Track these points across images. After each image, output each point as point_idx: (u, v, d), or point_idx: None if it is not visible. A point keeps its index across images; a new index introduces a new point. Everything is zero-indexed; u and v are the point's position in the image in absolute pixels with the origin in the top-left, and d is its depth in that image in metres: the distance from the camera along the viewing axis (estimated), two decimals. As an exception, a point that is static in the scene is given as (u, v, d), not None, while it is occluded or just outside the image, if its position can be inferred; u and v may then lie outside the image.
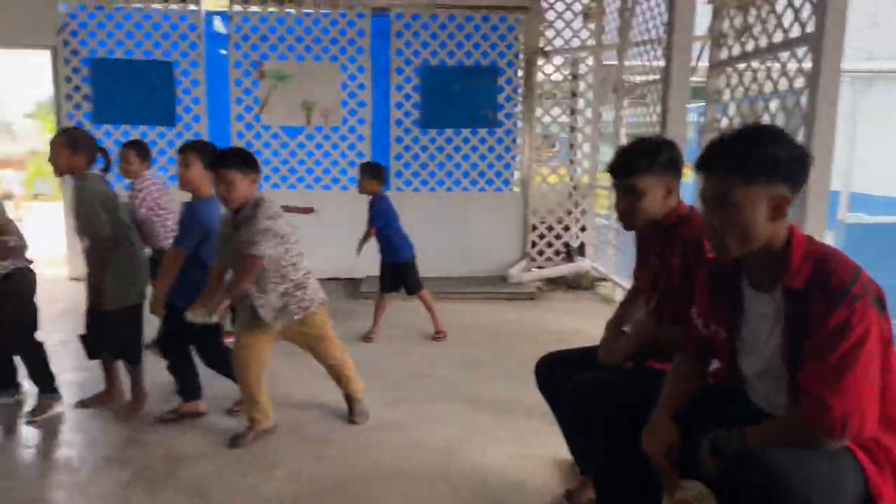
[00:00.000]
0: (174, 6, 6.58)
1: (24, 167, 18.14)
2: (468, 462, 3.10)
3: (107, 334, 3.49)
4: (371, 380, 4.16)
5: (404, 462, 3.11)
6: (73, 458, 3.17)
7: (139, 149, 4.41)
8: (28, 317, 3.50)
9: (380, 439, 3.35)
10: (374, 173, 4.90)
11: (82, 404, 3.70)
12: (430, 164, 7.02)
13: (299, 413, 3.54)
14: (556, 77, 7.11)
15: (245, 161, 3.07)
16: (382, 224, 4.89)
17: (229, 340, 3.62)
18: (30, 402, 3.67)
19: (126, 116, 6.57)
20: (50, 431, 3.44)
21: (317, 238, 5.51)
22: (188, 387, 3.58)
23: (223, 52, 6.75)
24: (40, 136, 15.59)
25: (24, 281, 3.47)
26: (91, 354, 3.63)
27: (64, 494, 2.85)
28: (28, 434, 3.43)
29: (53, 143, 3.37)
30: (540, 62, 7.02)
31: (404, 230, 5.01)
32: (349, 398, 3.57)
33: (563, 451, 2.85)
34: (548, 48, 6.99)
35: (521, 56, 7.00)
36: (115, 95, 6.55)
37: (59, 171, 3.43)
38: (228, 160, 3.04)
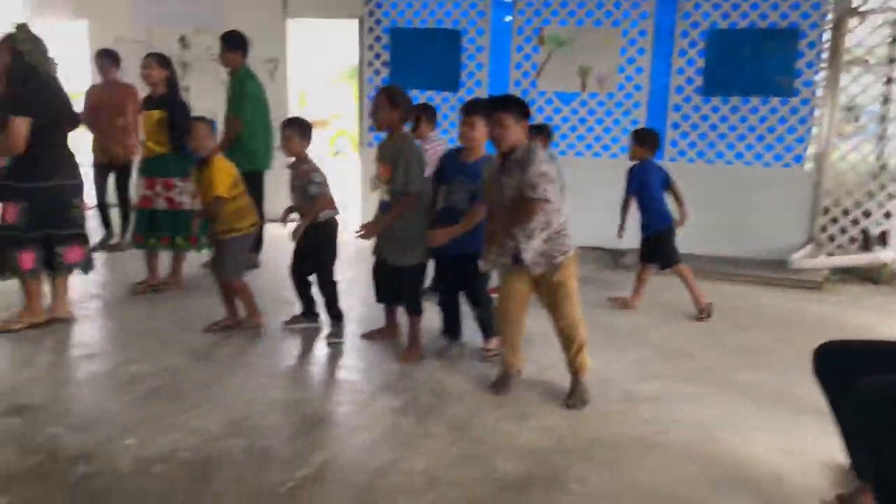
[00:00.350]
0: (467, -23, 6.94)
1: (328, 127, 20.56)
2: (723, 447, 2.95)
3: (401, 286, 3.84)
4: (627, 350, 4.13)
5: (655, 436, 3.06)
6: (355, 382, 3.62)
7: (427, 112, 4.80)
8: (332, 258, 4.05)
9: (632, 410, 3.32)
10: (644, 140, 4.79)
11: (366, 336, 4.18)
12: (710, 135, 6.61)
13: (556, 372, 3.63)
14: (872, 40, 6.21)
15: (519, 106, 3.20)
16: (635, 191, 4.77)
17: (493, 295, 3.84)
18: (325, 329, 4.24)
19: (416, 82, 7.11)
20: (338, 357, 3.95)
21: (582, 206, 5.54)
22: (455, 328, 3.93)
23: (508, 18, 6.98)
24: (344, 100, 17.47)
25: (335, 227, 4.04)
26: (379, 298, 4.09)
27: (346, 410, 3.28)
28: (321, 357, 3.98)
29: (377, 99, 3.73)
30: (852, 23, 6.18)
31: (663, 201, 4.84)
32: (572, 374, 3.44)
33: (836, 454, 2.59)
34: (862, 7, 6.13)
35: (829, 17, 6.22)
36: (409, 62, 7.13)
37: (380, 126, 3.76)
38: (504, 104, 3.20)
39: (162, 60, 4.84)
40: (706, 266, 5.83)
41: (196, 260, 5.44)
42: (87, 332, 4.18)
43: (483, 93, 7.05)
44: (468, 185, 3.64)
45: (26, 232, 3.88)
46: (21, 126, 3.75)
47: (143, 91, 5.22)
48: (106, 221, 6.24)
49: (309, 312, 4.32)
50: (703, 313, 4.76)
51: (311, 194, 3.91)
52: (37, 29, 3.97)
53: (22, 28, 3.84)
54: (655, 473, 2.74)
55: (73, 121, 4.11)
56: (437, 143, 4.76)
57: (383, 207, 3.80)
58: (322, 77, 16.52)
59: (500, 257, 3.35)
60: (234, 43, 5.32)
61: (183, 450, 2.80)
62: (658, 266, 4.89)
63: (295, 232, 3.94)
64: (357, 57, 7.53)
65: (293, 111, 7.69)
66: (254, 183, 5.01)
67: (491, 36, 6.99)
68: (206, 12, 7.65)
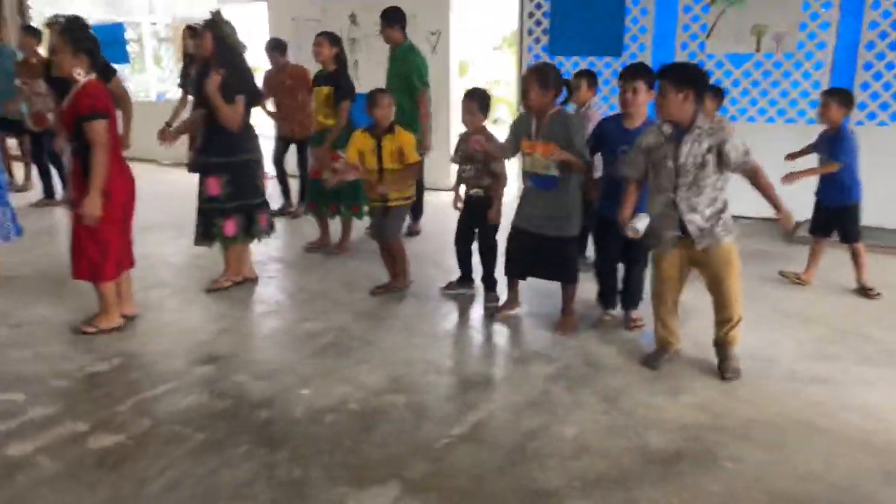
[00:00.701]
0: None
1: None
2: (903, 438, 2.74)
3: (559, 256, 3.81)
4: (796, 328, 3.91)
5: (822, 420, 2.89)
6: (508, 348, 3.73)
7: (589, 77, 4.73)
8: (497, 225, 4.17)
9: (799, 391, 3.16)
10: (843, 101, 4.38)
11: (500, 312, 4.14)
12: (906, 95, 5.95)
13: (712, 348, 3.52)
14: None
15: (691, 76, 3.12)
16: (850, 160, 4.38)
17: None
18: (480, 296, 4.37)
19: (577, 48, 6.99)
20: (492, 322, 4.06)
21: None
22: (612, 297, 3.93)
23: (675, -22, 6.64)
24: (503, 68, 17.50)
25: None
26: (511, 270, 4.03)
27: (499, 374, 3.40)
28: (476, 321, 4.12)
29: (525, 80, 3.71)
30: None
31: (857, 169, 4.44)
32: (721, 346, 3.34)
33: None
34: None
35: None
36: (569, 28, 7.00)
37: (531, 107, 3.73)
38: (670, 73, 3.13)
39: (332, 39, 5.13)
40: (877, 238, 5.26)
41: (361, 225, 5.77)
42: (269, 292, 4.61)
43: (647, 56, 6.80)
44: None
45: (227, 202, 4.31)
46: (240, 105, 4.17)
47: (314, 67, 5.55)
48: (285, 191, 6.76)
49: (466, 279, 4.47)
50: (871, 290, 4.39)
51: (496, 171, 4.05)
52: (225, 12, 4.35)
53: (218, 14, 4.23)
54: (820, 459, 2.61)
55: (258, 99, 4.49)
56: (597, 109, 4.69)
57: (544, 183, 3.74)
58: (482, 45, 16.60)
59: (666, 230, 3.29)
60: (393, 18, 5.50)
61: (351, 401, 3.05)
62: (841, 239, 4.52)
63: (493, 214, 4.02)
64: (516, 26, 7.52)
65: (454, 81, 7.85)
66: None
67: (655, -5, 6.70)
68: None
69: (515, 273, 4.03)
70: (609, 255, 3.92)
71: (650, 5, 6.71)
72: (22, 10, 11.44)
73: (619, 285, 3.98)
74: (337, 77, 5.10)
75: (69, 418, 2.89)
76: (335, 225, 5.51)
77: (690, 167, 3.12)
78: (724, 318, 3.30)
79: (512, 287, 4.10)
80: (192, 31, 6.26)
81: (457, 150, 4.26)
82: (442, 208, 6.18)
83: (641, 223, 3.37)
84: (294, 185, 6.74)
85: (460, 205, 4.31)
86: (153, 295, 4.34)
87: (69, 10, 10.79)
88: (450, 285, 4.49)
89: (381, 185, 4.27)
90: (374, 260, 4.78)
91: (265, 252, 5.29)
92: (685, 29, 6.61)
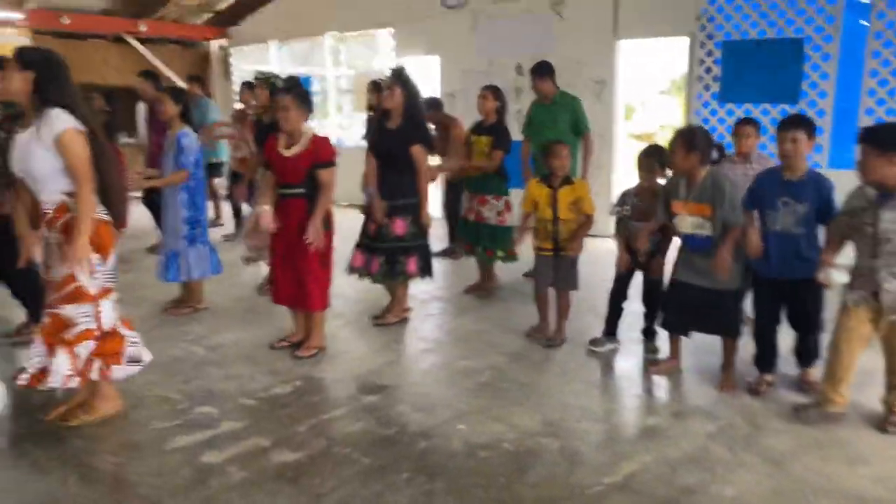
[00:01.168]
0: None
1: (651, 140, 20.24)
2: None
3: (718, 310, 3.71)
4: None
5: None
6: (667, 400, 3.67)
7: (756, 125, 4.59)
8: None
9: None
10: None
11: (654, 368, 4.03)
12: None
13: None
14: None
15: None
16: None
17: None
18: (637, 346, 4.33)
19: (749, 95, 6.77)
20: (651, 375, 3.99)
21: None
22: (772, 359, 3.74)
23: (864, 22, 6.29)
24: (670, 113, 17.16)
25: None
26: (668, 325, 3.95)
27: (657, 426, 3.34)
28: (633, 371, 4.07)
29: (672, 143, 3.69)
30: None
31: None
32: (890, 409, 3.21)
33: None
34: None
35: None
36: (742, 75, 6.81)
37: (677, 170, 3.73)
38: (875, 135, 3.02)
39: (496, 93, 5.38)
40: None
41: (518, 268, 5.89)
42: (428, 329, 4.84)
43: (828, 104, 6.46)
44: (795, 205, 3.45)
45: (411, 241, 4.65)
46: (421, 151, 4.56)
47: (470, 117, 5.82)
48: (452, 232, 7.06)
49: (612, 334, 4.36)
50: None
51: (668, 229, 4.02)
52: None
53: (403, 69, 4.61)
54: None
55: (433, 149, 4.80)
56: (763, 157, 4.53)
57: (699, 243, 3.68)
58: (649, 89, 16.40)
59: (859, 290, 3.15)
60: (545, 72, 5.66)
61: (505, 441, 3.15)
62: None
63: (720, 267, 3.63)
64: (685, 70, 7.42)
65: (619, 127, 7.87)
66: None
67: (841, 42, 6.36)
68: (539, 41, 8.20)
69: (675, 328, 3.95)
70: (766, 315, 3.72)
71: (834, 51, 6.39)
72: (226, 67, 12.95)
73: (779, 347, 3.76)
74: (497, 128, 5.34)
75: (255, 434, 3.23)
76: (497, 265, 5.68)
77: (892, 235, 2.98)
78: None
79: (673, 342, 4.01)
80: (375, 85, 6.79)
81: (623, 204, 4.20)
82: (596, 254, 6.17)
83: (837, 275, 3.24)
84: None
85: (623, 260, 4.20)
86: (331, 324, 4.69)
87: (265, 67, 12.07)
88: (596, 342, 4.35)
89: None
90: (528, 303, 4.86)
91: (427, 290, 5.56)
92: (873, 74, 6.22)
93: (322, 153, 4.02)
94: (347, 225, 4.26)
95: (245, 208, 7.78)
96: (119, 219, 3.18)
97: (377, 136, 4.71)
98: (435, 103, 6.82)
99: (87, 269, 3.01)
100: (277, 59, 12.03)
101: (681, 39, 7.38)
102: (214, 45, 12.99)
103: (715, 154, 3.81)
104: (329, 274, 4.22)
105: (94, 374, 3.16)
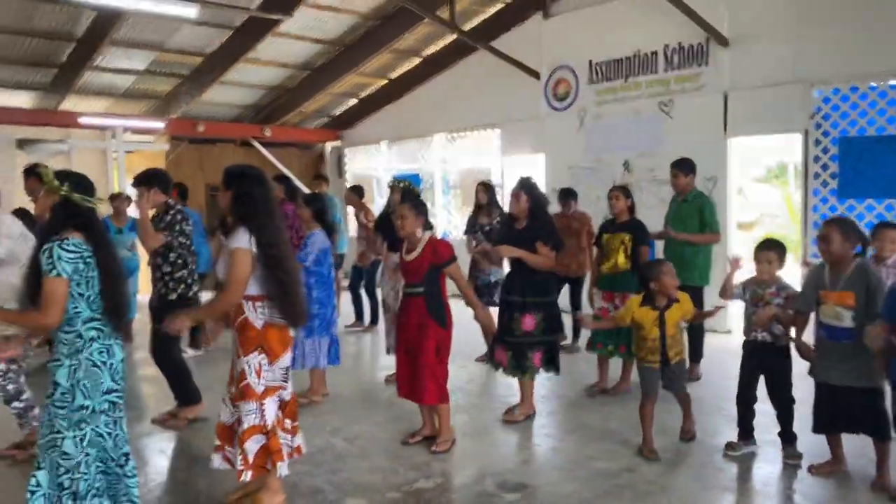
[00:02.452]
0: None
1: (753, 229, 19.76)
2: None
3: (867, 410, 3.68)
4: None
5: None
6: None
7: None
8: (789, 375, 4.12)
9: None
10: None
11: (817, 470, 3.95)
12: None
13: None
14: None
15: None
16: None
17: None
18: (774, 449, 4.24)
19: (871, 191, 6.69)
20: (794, 479, 3.89)
21: None
22: None
23: None
24: (769, 201, 16.89)
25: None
26: (821, 426, 3.89)
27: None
28: (775, 476, 3.97)
29: (827, 230, 3.74)
30: None
31: None
32: None
33: None
34: None
35: None
36: (862, 171, 6.75)
37: (834, 258, 3.75)
38: None
39: (626, 192, 5.59)
40: None
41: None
42: (554, 425, 4.90)
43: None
44: None
45: (539, 337, 4.86)
46: (552, 252, 4.82)
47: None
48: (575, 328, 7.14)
49: (748, 434, 4.28)
50: None
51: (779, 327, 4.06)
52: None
53: (529, 178, 4.94)
54: None
55: (560, 248, 5.00)
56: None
57: (837, 334, 3.70)
58: (745, 176, 16.29)
59: None
60: (688, 168, 5.90)
61: (655, 546, 3.15)
62: None
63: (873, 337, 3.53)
64: (781, 159, 7.41)
65: (732, 222, 7.87)
66: (696, 296, 5.32)
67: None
68: (648, 139, 8.42)
69: (825, 429, 3.89)
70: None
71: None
72: (340, 166, 13.80)
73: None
74: (635, 225, 5.54)
75: (407, 528, 3.36)
76: (614, 364, 5.71)
77: None
78: None
79: (832, 444, 3.93)
80: (484, 186, 7.14)
81: (743, 292, 4.20)
82: (720, 351, 6.11)
83: None
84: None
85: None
86: (457, 419, 4.83)
87: (378, 165, 12.80)
88: (732, 446, 4.26)
89: None
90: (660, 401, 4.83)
91: (547, 386, 5.63)
92: None
93: (441, 253, 4.32)
94: (457, 317, 4.47)
95: (364, 300, 8.21)
96: (292, 319, 3.47)
97: (505, 235, 5.00)
98: (572, 193, 7.09)
99: (255, 369, 3.32)
100: (387, 158, 12.76)
101: (794, 136, 7.42)
102: (328, 146, 13.93)
103: (860, 248, 3.84)
104: (445, 369, 4.38)
105: (267, 467, 3.39)
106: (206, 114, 12.21)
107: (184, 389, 5.01)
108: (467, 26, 10.11)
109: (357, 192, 8.27)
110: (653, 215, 6.47)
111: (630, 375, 5.63)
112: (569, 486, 3.88)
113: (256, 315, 3.36)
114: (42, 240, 2.97)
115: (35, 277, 2.93)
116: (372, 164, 13.09)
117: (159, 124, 11.55)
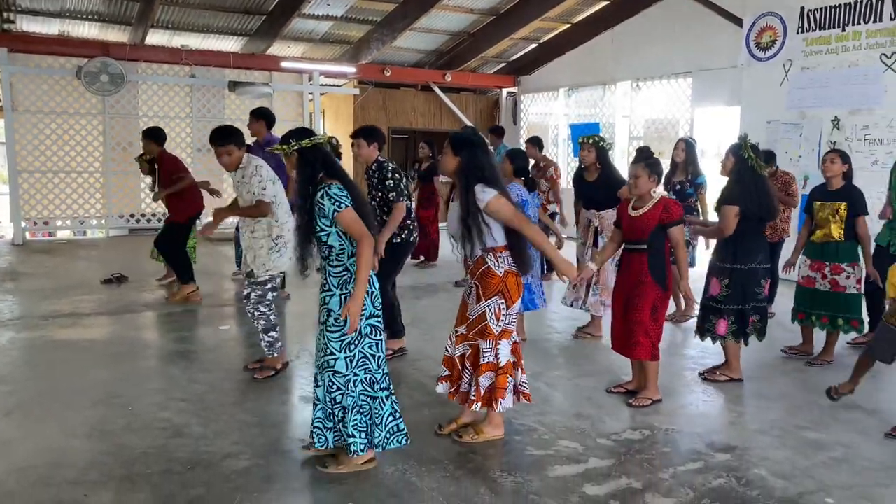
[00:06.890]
0: None
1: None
2: None
3: None
4: None
5: None
6: None
7: None
8: None
9: None
10: None
11: None
12: None
13: None
14: None
15: None
16: None
17: None
18: None
19: None
20: None
21: None
22: None
23: None
24: None
25: None
26: None
27: None
28: None
29: None
30: None
31: None
32: None
33: None
34: None
35: None
36: None
37: None
38: None
39: (844, 157, 5.25)
40: None
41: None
42: (754, 391, 4.85)
43: None
44: None
45: (724, 304, 4.80)
46: (728, 213, 4.67)
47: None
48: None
49: None
50: None
51: None
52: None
53: (745, 138, 4.77)
54: None
55: (772, 215, 4.84)
56: None
57: None
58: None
59: None
60: None
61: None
62: None
63: None
64: None
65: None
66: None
67: None
68: (864, 94, 7.78)
69: None
70: None
71: None
72: (515, 113, 13.88)
73: None
74: (852, 192, 5.24)
75: (623, 474, 3.54)
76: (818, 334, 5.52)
77: None
78: None
79: None
80: (685, 143, 6.93)
81: None
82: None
83: None
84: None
85: None
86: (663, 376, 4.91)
87: (555, 112, 12.74)
88: None
89: None
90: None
91: (745, 350, 5.55)
92: None
93: (673, 213, 4.34)
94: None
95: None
96: (524, 267, 3.72)
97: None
98: (772, 156, 6.72)
99: (495, 313, 3.60)
100: (564, 105, 12.66)
101: None
102: (504, 91, 14.02)
103: None
104: (660, 328, 4.45)
105: (491, 402, 3.71)
106: (391, 59, 12.68)
107: (392, 324, 5.44)
108: (665, -31, 9.71)
109: (537, 144, 8.32)
110: (862, 177, 6.03)
111: (833, 348, 5.44)
112: (780, 452, 3.87)
113: (498, 264, 3.63)
114: (303, 192, 3.34)
115: (309, 225, 3.31)
116: (549, 111, 13.06)
117: (351, 69, 12.16)
